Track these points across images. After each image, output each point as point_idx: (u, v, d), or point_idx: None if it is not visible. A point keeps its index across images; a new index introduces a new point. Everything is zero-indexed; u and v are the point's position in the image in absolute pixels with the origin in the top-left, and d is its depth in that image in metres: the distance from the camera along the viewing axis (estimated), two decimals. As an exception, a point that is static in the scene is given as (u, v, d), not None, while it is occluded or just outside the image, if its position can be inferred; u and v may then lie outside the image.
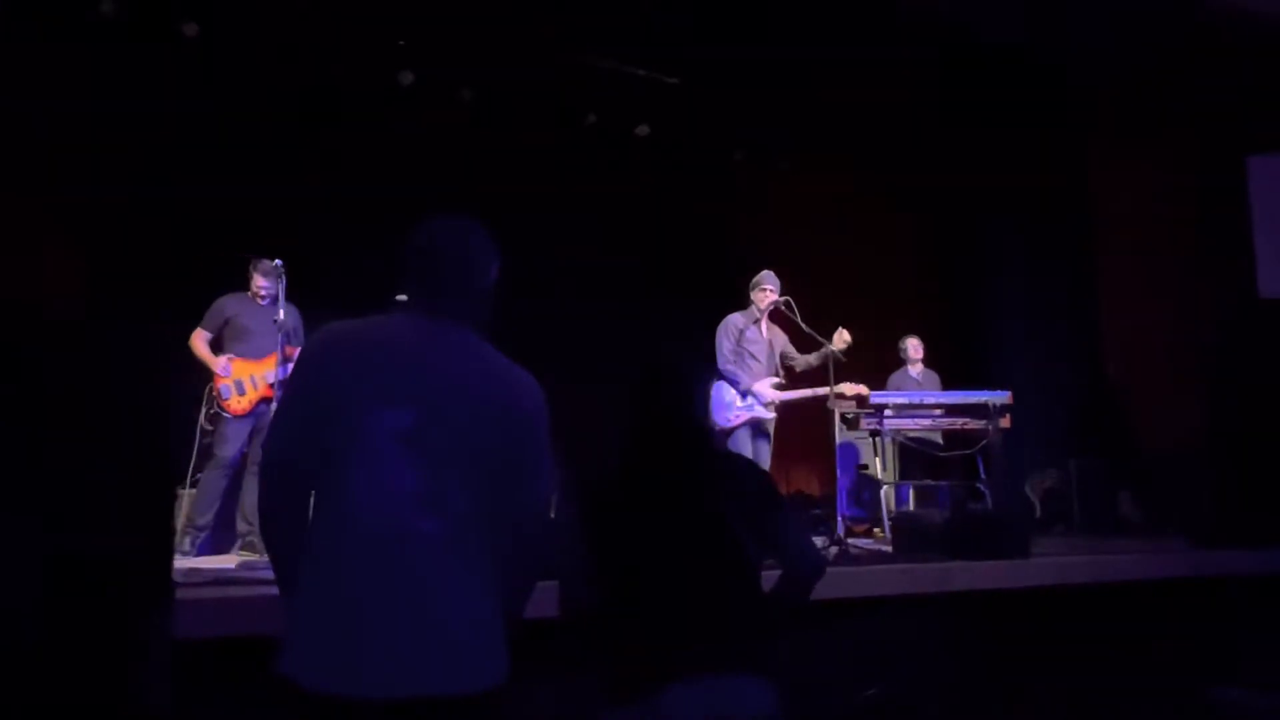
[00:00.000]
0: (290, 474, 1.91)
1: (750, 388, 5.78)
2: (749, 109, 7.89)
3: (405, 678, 1.74)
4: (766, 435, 5.87)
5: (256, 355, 5.25)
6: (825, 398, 5.86)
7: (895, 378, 7.20)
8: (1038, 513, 7.55)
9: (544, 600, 2.22)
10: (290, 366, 4.50)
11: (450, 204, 2.15)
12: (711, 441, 2.58)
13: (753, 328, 5.91)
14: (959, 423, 6.29)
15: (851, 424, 6.44)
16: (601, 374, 5.83)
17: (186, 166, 5.99)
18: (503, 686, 1.85)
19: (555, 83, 7.41)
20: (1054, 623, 4.51)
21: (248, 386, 5.23)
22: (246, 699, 2.46)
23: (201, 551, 5.06)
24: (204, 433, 5.32)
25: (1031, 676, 4.29)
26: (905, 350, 7.22)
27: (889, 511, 6.21)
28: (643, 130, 8.02)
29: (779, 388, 5.87)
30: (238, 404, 5.20)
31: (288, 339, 5.06)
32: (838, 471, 7.00)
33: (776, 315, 5.97)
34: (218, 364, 5.23)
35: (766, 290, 5.88)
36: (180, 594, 2.72)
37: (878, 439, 6.38)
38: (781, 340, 6.02)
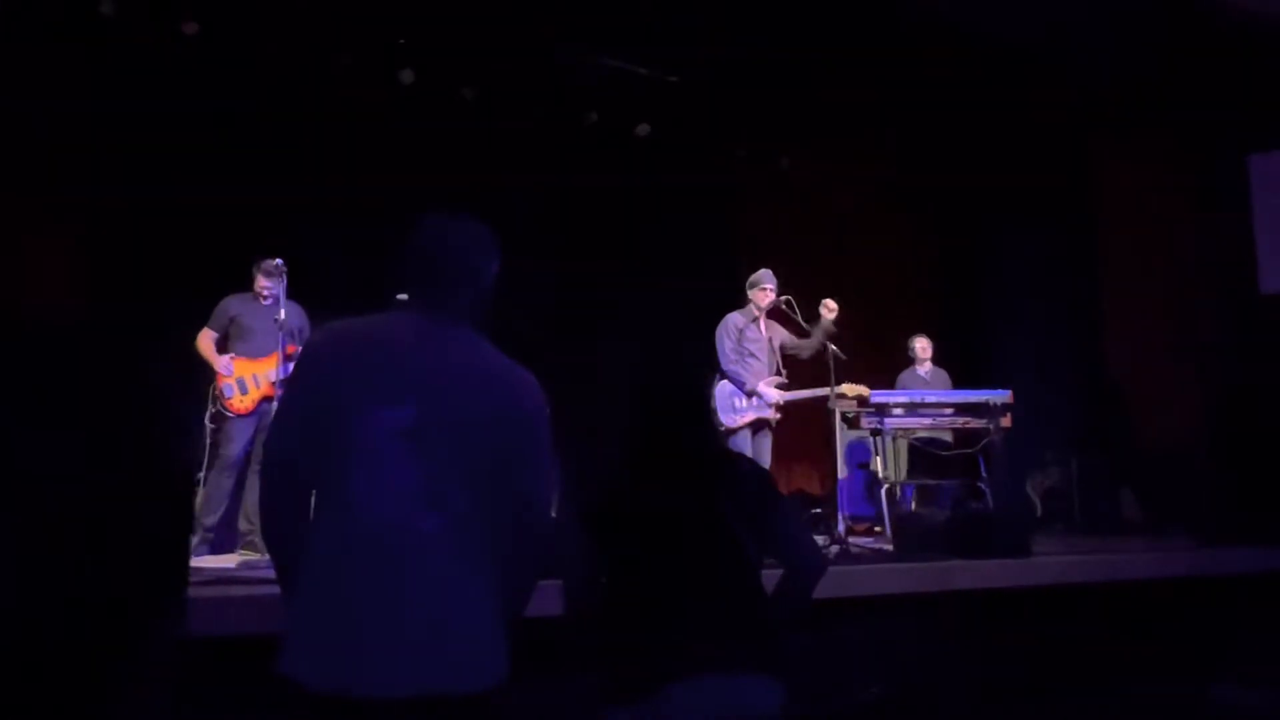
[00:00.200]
0: (291, 473, 1.91)
1: (755, 389, 5.79)
2: (750, 108, 7.88)
3: (406, 677, 1.74)
4: (767, 434, 5.88)
5: (258, 354, 5.28)
6: (826, 398, 5.88)
7: (903, 377, 7.22)
8: (1039, 511, 7.55)
9: (544, 599, 2.21)
10: (292, 365, 4.51)
11: (450, 203, 2.15)
12: (714, 441, 2.58)
13: (752, 326, 5.92)
14: (960, 421, 6.30)
15: (852, 423, 6.44)
16: (602, 373, 5.84)
17: (186, 166, 5.98)
18: (503, 685, 1.85)
19: (556, 82, 7.41)
20: (1055, 621, 4.51)
21: (250, 385, 5.25)
22: (247, 698, 2.46)
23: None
24: (209, 432, 5.33)
25: (1033, 675, 4.28)
26: (914, 350, 7.24)
27: (890, 510, 6.21)
28: (643, 129, 8.01)
29: (781, 388, 5.87)
30: (240, 403, 5.23)
31: (290, 338, 5.08)
32: (846, 470, 7.03)
33: (774, 312, 5.98)
34: (220, 363, 5.26)
35: (766, 290, 5.89)
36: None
37: (878, 438, 6.38)
38: (780, 335, 6.02)
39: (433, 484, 1.82)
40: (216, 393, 5.24)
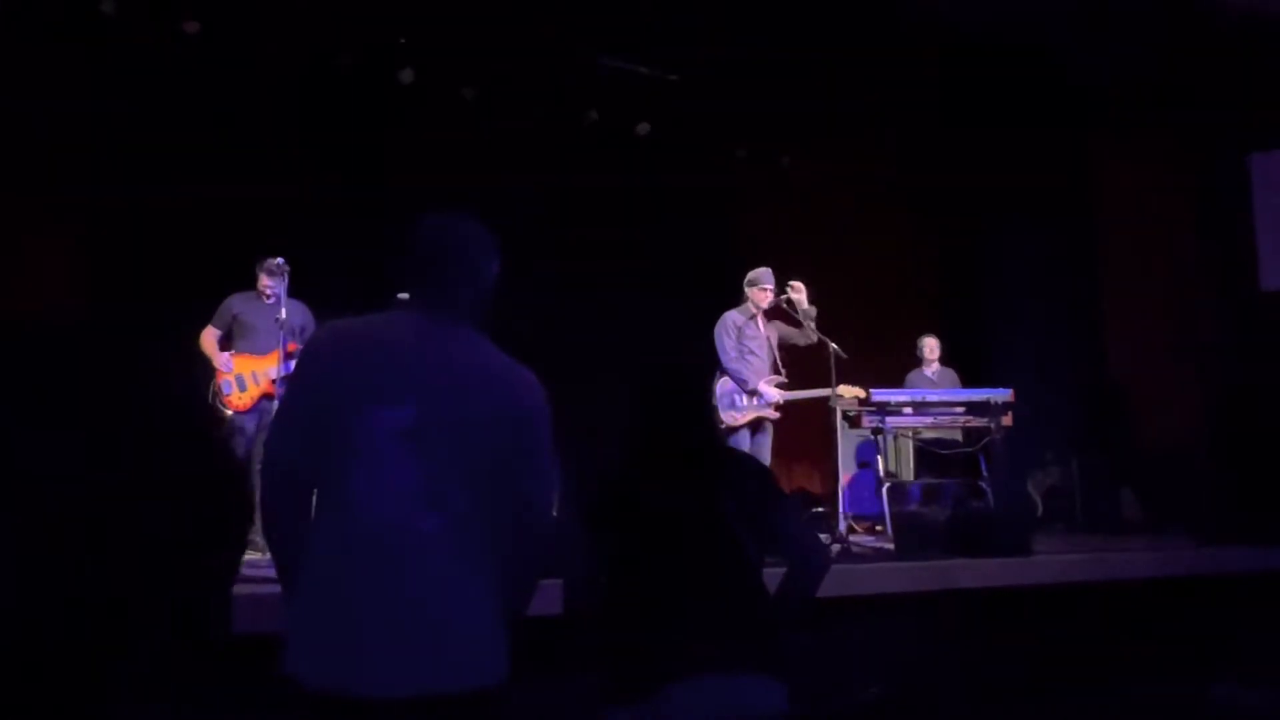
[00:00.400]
0: (292, 472, 1.91)
1: (757, 388, 5.79)
2: (750, 108, 7.87)
3: (406, 676, 1.74)
4: (766, 432, 5.89)
5: (260, 352, 5.34)
6: (827, 397, 5.89)
7: (911, 377, 7.23)
8: (1040, 510, 7.55)
9: (544, 599, 2.21)
10: (293, 363, 4.53)
11: (450, 203, 2.15)
12: (715, 440, 2.58)
13: (750, 324, 5.93)
14: (961, 420, 6.31)
15: (853, 422, 6.45)
16: (602, 372, 5.84)
17: (186, 166, 5.98)
18: (503, 685, 1.85)
19: (556, 80, 7.41)
20: (1056, 620, 4.51)
21: (249, 382, 5.30)
22: (248, 698, 2.46)
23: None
24: (208, 432, 5.37)
25: (1034, 674, 4.28)
26: (921, 350, 7.25)
27: (891, 509, 6.22)
28: (644, 128, 8.01)
29: (780, 387, 5.88)
30: (239, 400, 5.28)
31: (292, 336, 5.12)
32: (853, 468, 7.03)
33: (770, 309, 5.99)
34: (220, 360, 5.32)
35: (766, 291, 5.90)
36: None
37: (880, 436, 6.39)
38: (776, 331, 6.02)
39: (433, 484, 1.82)
40: (215, 390, 5.29)
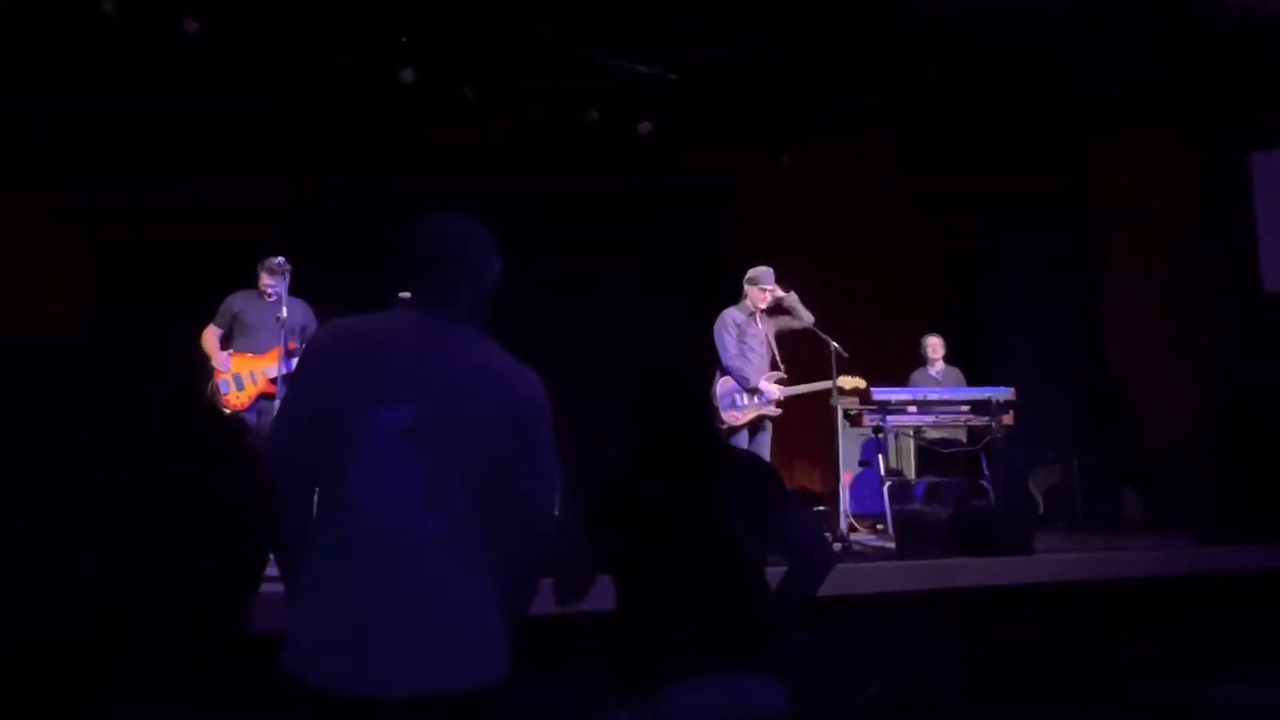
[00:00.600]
0: (292, 472, 1.91)
1: (758, 385, 5.80)
2: (750, 108, 7.87)
3: (407, 676, 1.74)
4: (766, 431, 5.89)
5: (259, 351, 5.36)
6: (828, 393, 5.89)
7: (916, 376, 7.23)
8: (1041, 509, 7.55)
9: (545, 598, 2.22)
10: (293, 362, 4.53)
11: (450, 203, 2.15)
12: (715, 440, 2.58)
13: (749, 322, 5.93)
14: (962, 419, 6.31)
15: (854, 420, 6.45)
16: (602, 372, 5.84)
17: (186, 166, 5.99)
18: (504, 685, 1.85)
19: (557, 80, 7.41)
20: (1056, 619, 4.51)
21: (246, 381, 5.31)
22: (249, 697, 2.46)
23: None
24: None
25: (1035, 673, 4.28)
26: (925, 349, 7.25)
27: (892, 508, 6.22)
28: (645, 127, 8.01)
29: (779, 383, 5.88)
30: (237, 399, 5.30)
31: (292, 335, 5.14)
32: (856, 467, 7.03)
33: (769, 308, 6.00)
34: (218, 358, 5.34)
35: (766, 291, 5.90)
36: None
37: (880, 435, 6.40)
38: (774, 326, 6.02)
39: (433, 484, 1.82)
40: (213, 389, 5.30)
